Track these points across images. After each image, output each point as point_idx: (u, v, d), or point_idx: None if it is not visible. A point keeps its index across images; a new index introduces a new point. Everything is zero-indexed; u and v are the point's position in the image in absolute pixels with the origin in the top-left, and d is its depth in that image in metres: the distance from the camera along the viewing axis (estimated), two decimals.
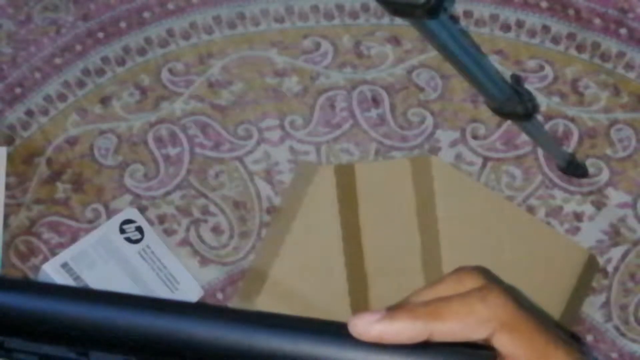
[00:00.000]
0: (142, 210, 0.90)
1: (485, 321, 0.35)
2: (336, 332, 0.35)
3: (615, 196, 0.91)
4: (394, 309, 0.36)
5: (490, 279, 0.37)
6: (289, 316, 0.36)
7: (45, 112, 0.92)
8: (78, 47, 0.93)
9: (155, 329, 0.35)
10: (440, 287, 0.37)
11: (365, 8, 0.94)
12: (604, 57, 0.93)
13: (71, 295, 0.36)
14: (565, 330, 0.84)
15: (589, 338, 0.89)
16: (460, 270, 0.38)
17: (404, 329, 0.35)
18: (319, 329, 0.35)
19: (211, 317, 0.35)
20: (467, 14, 0.94)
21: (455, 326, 0.35)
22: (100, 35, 0.93)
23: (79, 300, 0.36)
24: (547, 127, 0.92)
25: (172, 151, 0.92)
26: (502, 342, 0.35)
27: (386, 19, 0.93)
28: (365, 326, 0.35)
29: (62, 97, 0.92)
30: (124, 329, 0.35)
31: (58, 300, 0.36)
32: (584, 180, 0.91)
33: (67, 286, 0.38)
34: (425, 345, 0.35)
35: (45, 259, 0.88)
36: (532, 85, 0.92)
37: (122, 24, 0.93)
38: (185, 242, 0.90)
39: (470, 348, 0.35)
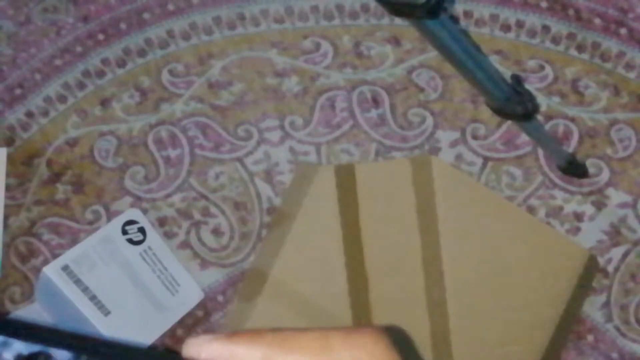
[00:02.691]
0: (143, 212, 0.90)
1: None
2: None
3: (616, 196, 0.91)
4: (236, 333, 0.30)
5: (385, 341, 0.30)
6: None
7: (45, 114, 0.92)
8: (78, 49, 0.93)
9: None
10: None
11: (365, 8, 0.94)
12: (604, 57, 0.93)
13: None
14: None
15: (589, 338, 0.89)
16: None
17: (238, 354, 0.29)
18: None
19: None
20: (467, 14, 0.94)
21: None
22: (101, 36, 0.93)
23: None
24: (547, 127, 0.92)
25: (172, 153, 0.92)
26: None
27: (386, 19, 0.93)
28: (198, 346, 0.29)
29: (62, 99, 0.92)
30: None
31: None
32: (584, 181, 0.91)
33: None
34: None
35: (46, 260, 0.88)
36: (532, 85, 0.92)
37: (122, 26, 0.93)
38: (185, 244, 0.90)
39: None
